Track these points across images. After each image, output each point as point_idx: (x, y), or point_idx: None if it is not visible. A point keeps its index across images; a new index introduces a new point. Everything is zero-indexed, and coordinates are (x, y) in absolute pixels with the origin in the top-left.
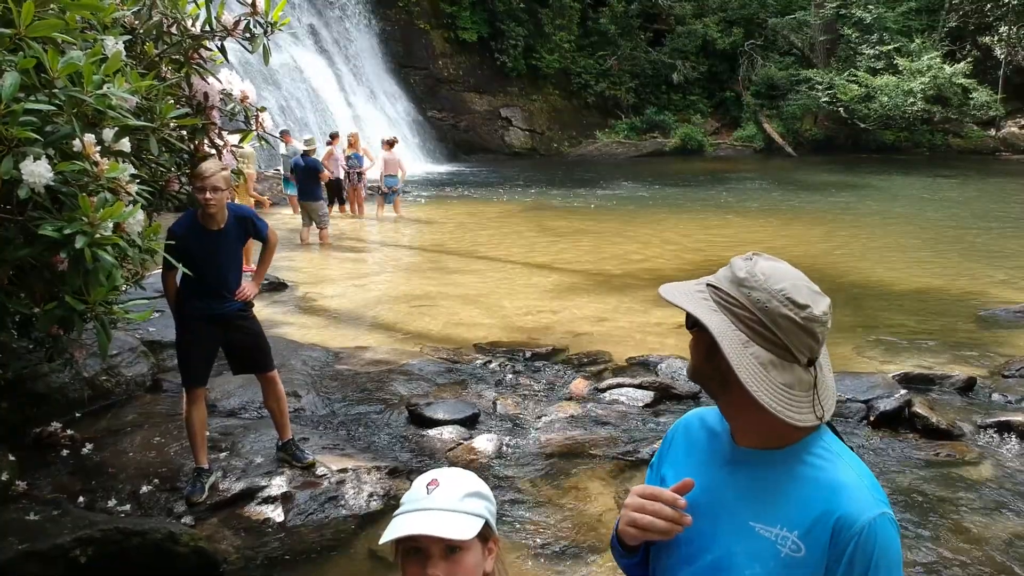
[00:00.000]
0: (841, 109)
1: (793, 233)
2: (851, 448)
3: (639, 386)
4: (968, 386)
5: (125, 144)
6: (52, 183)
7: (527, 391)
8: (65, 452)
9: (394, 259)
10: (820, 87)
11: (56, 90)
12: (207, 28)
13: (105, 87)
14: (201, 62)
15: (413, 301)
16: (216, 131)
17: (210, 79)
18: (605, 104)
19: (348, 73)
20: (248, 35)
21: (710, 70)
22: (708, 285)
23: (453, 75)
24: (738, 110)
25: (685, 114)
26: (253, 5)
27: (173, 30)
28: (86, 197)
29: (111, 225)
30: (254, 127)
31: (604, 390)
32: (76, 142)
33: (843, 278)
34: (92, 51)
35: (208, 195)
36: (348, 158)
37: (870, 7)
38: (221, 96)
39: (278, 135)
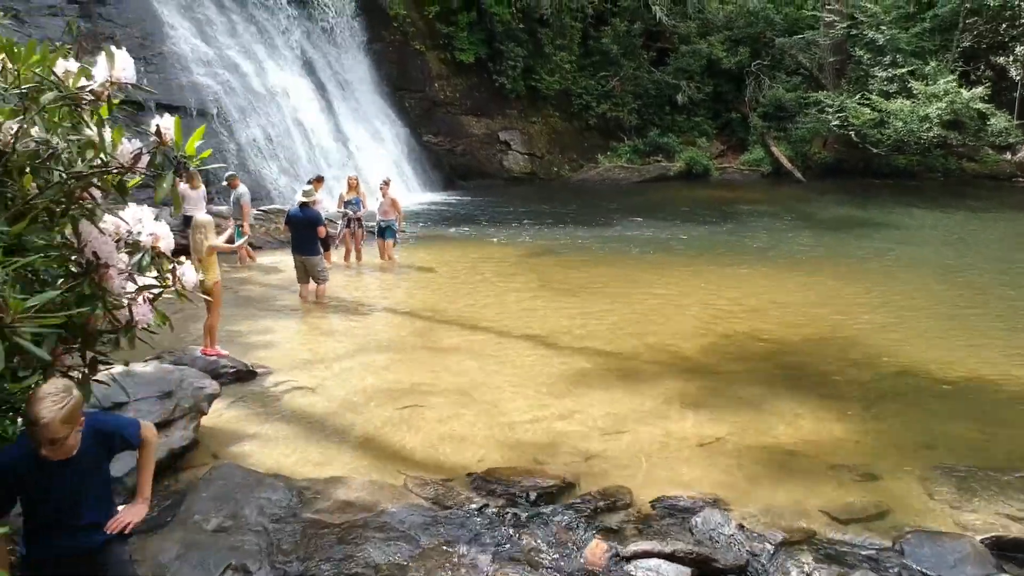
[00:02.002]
0: (852, 133)
1: (828, 293)
2: None
3: (672, 557)
4: None
5: None
6: None
7: (531, 558)
8: None
9: (383, 329)
10: (831, 110)
11: None
12: (99, 162)
13: None
14: (92, 204)
15: (398, 399)
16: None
17: (106, 223)
18: (607, 126)
19: (339, 97)
20: (153, 172)
21: (715, 91)
22: None
23: (450, 98)
24: (744, 132)
25: (689, 136)
26: (159, 134)
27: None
28: None
29: None
30: (173, 284)
31: (628, 559)
32: None
33: (891, 364)
34: None
35: (45, 451)
36: (347, 203)
37: (882, 28)
38: (126, 241)
39: (224, 179)
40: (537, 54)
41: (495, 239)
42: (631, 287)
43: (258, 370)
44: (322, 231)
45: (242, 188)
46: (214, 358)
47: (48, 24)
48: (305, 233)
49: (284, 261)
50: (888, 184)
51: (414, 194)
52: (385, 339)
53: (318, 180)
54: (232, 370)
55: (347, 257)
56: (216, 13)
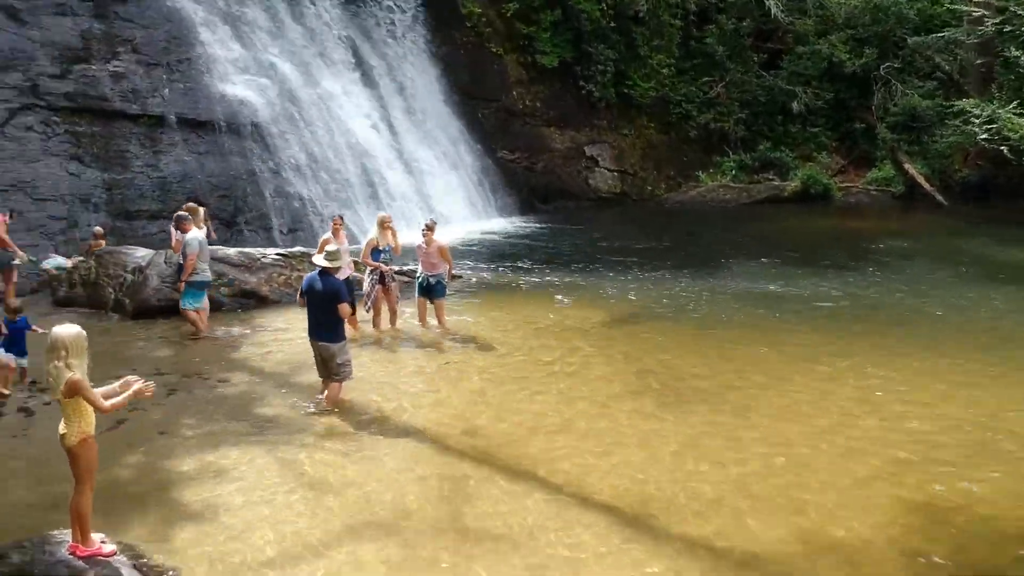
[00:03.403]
0: (1005, 149)
1: None
2: None
3: None
4: None
5: None
6: None
7: None
8: None
9: (394, 481)
10: (977, 121)
11: None
12: None
13: None
14: None
15: None
16: None
17: None
18: (709, 138)
19: (399, 108)
20: None
21: (836, 97)
22: None
23: (529, 107)
24: (869, 144)
25: (805, 149)
26: None
27: None
28: None
29: None
30: None
31: None
32: None
33: None
34: None
35: None
36: (380, 251)
37: None
38: None
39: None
40: (630, 57)
41: (577, 293)
42: (761, 390)
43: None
44: (345, 311)
45: (196, 234)
46: (88, 561)
47: (54, 25)
48: (324, 310)
49: (294, 327)
50: None
51: (484, 221)
52: (392, 507)
53: (337, 222)
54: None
55: (377, 323)
56: (259, 11)
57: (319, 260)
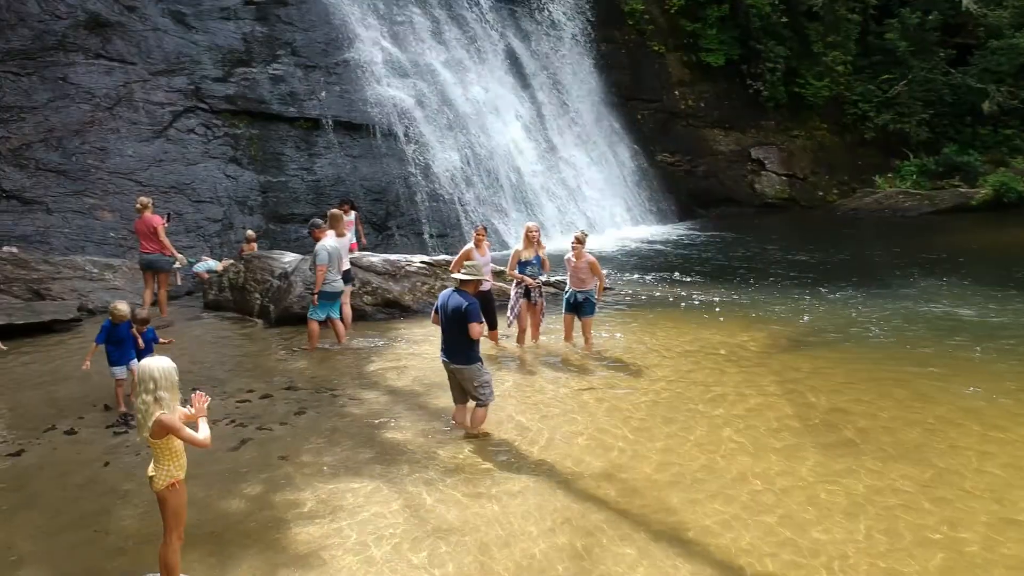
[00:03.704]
0: None
1: None
2: None
3: None
4: None
5: None
6: None
7: None
8: None
9: (518, 529)
10: None
11: None
12: None
13: None
14: None
15: None
16: None
17: None
18: (888, 141)
19: (555, 109)
20: None
21: None
22: None
23: (692, 108)
24: None
25: (996, 153)
26: None
27: None
28: None
29: None
30: None
31: None
32: None
33: None
34: None
35: None
36: (524, 264)
37: None
38: None
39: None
40: (803, 54)
41: (739, 309)
42: (976, 447)
43: None
44: (475, 332)
45: (324, 242)
46: None
47: (219, 30)
48: (456, 330)
49: (433, 340)
50: None
51: (640, 227)
52: (514, 564)
53: (480, 233)
54: None
55: (521, 339)
56: (416, 12)
57: (458, 274)
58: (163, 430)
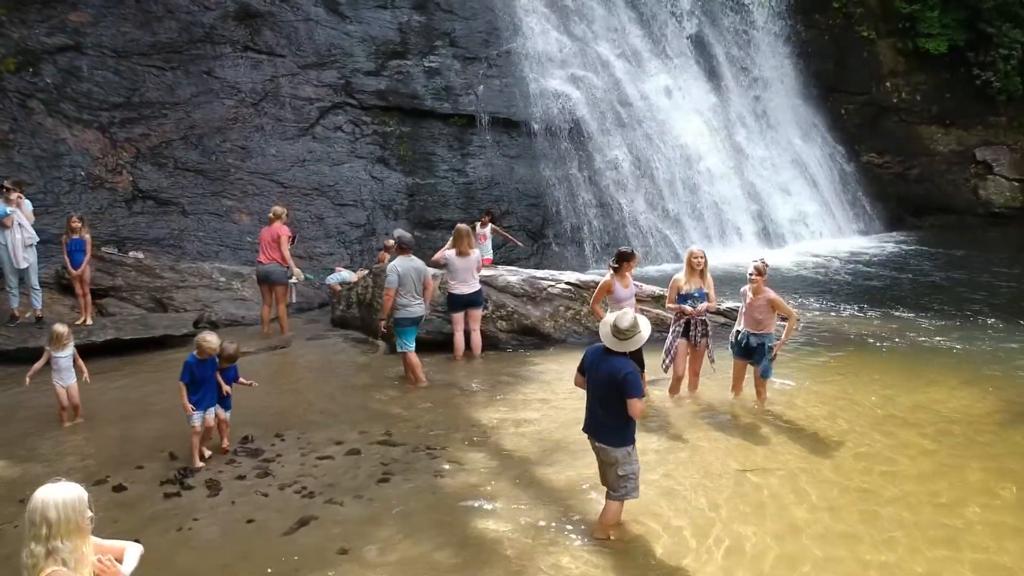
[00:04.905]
0: None
1: None
2: None
3: None
4: None
5: None
6: None
7: None
8: None
9: None
10: None
11: None
12: None
13: None
14: None
15: None
16: None
17: None
18: None
19: (742, 102)
20: None
21: None
22: None
23: (906, 101)
24: None
25: None
26: None
27: None
28: None
29: None
30: None
31: None
32: None
33: None
34: None
35: None
36: (686, 297)
37: None
38: None
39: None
40: None
41: (951, 365)
42: None
43: None
44: (637, 409)
45: (396, 262)
46: None
47: (374, 19)
48: (607, 400)
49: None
50: None
51: (842, 239)
52: None
53: (626, 258)
54: None
55: (675, 388)
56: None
57: (607, 329)
58: None
